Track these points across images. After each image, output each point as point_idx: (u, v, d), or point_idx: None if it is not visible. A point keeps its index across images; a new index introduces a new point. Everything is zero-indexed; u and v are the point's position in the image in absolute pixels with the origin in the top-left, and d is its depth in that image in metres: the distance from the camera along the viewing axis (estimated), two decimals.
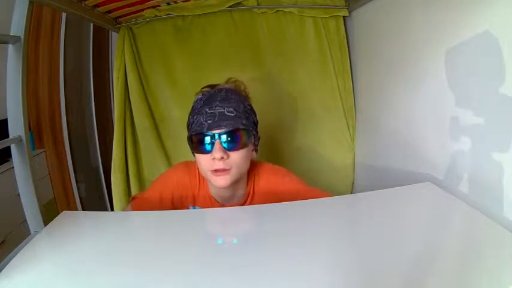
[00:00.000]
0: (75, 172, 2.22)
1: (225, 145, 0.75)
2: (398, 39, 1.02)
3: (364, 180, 1.38)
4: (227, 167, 0.76)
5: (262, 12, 1.38)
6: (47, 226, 0.77)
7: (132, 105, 1.38)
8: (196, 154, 0.80)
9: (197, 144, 0.77)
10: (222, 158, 0.74)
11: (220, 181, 0.77)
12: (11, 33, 0.79)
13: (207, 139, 0.75)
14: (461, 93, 0.77)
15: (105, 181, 2.41)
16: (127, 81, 1.37)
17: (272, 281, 0.54)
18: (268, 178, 0.88)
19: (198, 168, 0.86)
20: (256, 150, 0.85)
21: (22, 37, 0.79)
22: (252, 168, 0.87)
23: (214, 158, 0.74)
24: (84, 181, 2.29)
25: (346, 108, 1.42)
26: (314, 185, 1.40)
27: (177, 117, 1.42)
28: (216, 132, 0.75)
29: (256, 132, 0.84)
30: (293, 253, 0.61)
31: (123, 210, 1.09)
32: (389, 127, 1.14)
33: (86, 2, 1.07)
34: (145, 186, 1.40)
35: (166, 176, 0.92)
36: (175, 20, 1.39)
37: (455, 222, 0.73)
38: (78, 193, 2.25)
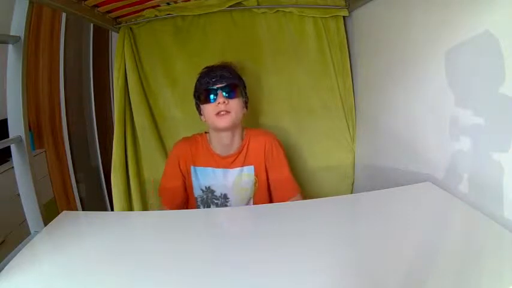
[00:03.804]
0: (75, 172, 2.21)
1: (225, 95, 1.01)
2: (398, 39, 1.02)
3: (364, 180, 1.38)
4: (228, 110, 1.01)
5: (262, 12, 1.38)
6: (47, 226, 0.77)
7: (132, 105, 1.38)
8: (203, 105, 1.04)
9: (205, 96, 1.03)
10: (224, 102, 1.00)
11: (223, 121, 1.01)
12: (11, 33, 0.79)
13: (212, 92, 1.01)
14: (461, 93, 0.77)
15: (105, 181, 2.41)
16: (127, 81, 1.37)
17: (272, 280, 0.54)
18: (262, 135, 1.13)
19: (198, 134, 1.13)
20: (246, 108, 1.10)
21: (22, 37, 0.79)
22: (248, 129, 1.13)
23: (218, 103, 1.00)
24: (84, 181, 2.29)
25: (346, 108, 1.41)
26: (314, 185, 1.43)
27: (177, 117, 1.42)
28: (218, 86, 1.01)
29: (246, 94, 1.10)
30: (293, 253, 0.61)
31: (161, 208, 1.17)
32: (389, 127, 1.14)
33: (86, 2, 1.07)
34: (145, 186, 1.39)
35: (171, 156, 1.14)
36: (175, 20, 1.39)
37: (455, 222, 0.73)
38: (78, 193, 2.24)
